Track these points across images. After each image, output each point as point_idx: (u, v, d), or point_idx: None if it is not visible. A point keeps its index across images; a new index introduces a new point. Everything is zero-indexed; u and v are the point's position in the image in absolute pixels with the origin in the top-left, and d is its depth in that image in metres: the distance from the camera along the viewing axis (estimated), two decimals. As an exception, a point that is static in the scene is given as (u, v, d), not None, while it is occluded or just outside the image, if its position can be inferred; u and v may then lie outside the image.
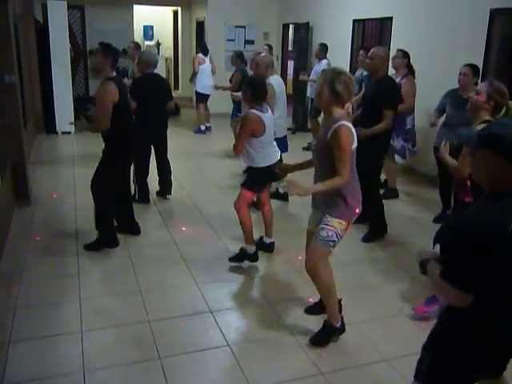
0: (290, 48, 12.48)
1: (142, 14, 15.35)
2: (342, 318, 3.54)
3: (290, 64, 12.33)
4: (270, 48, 9.76)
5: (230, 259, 4.63)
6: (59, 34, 9.68)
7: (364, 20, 9.43)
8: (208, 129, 10.86)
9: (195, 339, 3.50)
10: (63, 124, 10.07)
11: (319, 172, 3.35)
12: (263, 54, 6.37)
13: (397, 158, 6.73)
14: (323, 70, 3.53)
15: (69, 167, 7.83)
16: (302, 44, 11.37)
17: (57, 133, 10.17)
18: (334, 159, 3.13)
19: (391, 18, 8.45)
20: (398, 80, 6.01)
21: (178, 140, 10.15)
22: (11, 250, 4.79)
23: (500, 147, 1.79)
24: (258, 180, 4.55)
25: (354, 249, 5.00)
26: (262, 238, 4.89)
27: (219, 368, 3.25)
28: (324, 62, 9.20)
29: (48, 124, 10.21)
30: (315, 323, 3.67)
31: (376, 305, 4.03)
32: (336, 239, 3.28)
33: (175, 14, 16.08)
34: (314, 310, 3.82)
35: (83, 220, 5.57)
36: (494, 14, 6.39)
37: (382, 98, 4.97)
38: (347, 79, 3.17)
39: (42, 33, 9.76)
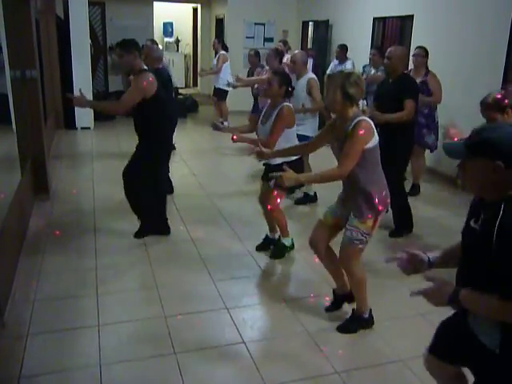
0: (309, 46, 12.41)
1: (162, 11, 15.42)
2: (371, 310, 3.60)
3: (309, 62, 12.28)
4: (285, 43, 9.71)
5: (272, 256, 4.74)
6: (80, 30, 9.75)
7: (384, 18, 9.36)
8: None
9: (211, 336, 3.51)
10: (83, 119, 10.18)
11: (347, 178, 3.31)
12: (297, 51, 6.44)
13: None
14: (329, 76, 3.57)
15: (88, 162, 7.90)
16: (321, 42, 11.33)
17: (76, 128, 10.25)
18: (343, 150, 3.16)
19: (412, 16, 8.37)
20: (418, 80, 5.96)
21: (195, 137, 10.21)
22: (30, 244, 4.84)
23: (496, 152, 1.70)
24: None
25: (372, 247, 4.96)
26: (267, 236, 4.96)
27: (234, 365, 3.26)
28: (349, 62, 9.13)
29: (68, 119, 10.30)
30: (331, 321, 3.67)
31: (392, 304, 3.99)
32: (362, 237, 3.33)
33: (195, 10, 16.13)
34: (331, 307, 3.85)
35: (101, 215, 5.62)
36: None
37: (403, 90, 4.94)
38: (357, 79, 3.19)
39: (63, 29, 9.84)
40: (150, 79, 4.49)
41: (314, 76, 6.10)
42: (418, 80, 6.03)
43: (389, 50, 5.12)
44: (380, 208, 3.31)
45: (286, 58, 8.95)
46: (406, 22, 8.70)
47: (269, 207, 4.55)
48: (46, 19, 9.27)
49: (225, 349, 3.38)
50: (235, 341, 3.45)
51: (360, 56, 9.17)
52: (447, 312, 2.05)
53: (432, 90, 6.28)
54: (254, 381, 3.07)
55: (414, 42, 8.21)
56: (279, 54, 7.73)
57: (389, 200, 3.39)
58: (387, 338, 3.52)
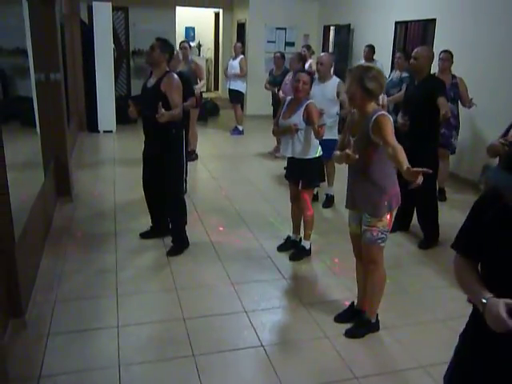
0: (330, 50, 12.38)
1: (184, 16, 15.51)
2: (377, 316, 3.58)
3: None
4: (308, 48, 9.67)
5: (291, 258, 4.79)
6: (103, 35, 9.88)
7: (406, 22, 9.30)
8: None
9: (229, 338, 3.51)
10: (105, 123, 10.30)
11: (358, 170, 3.34)
12: (324, 53, 6.51)
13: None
14: (349, 70, 3.52)
15: (110, 165, 7.98)
16: (342, 46, 11.29)
17: (99, 131, 10.37)
18: (382, 140, 3.10)
19: (434, 20, 8.30)
20: (447, 83, 5.92)
21: (216, 140, 10.25)
22: (52, 245, 4.90)
23: None
24: (317, 172, 4.89)
25: (392, 252, 4.92)
26: (289, 237, 5.04)
27: (252, 368, 3.25)
28: (378, 63, 8.82)
29: (90, 122, 10.43)
30: (350, 326, 3.63)
31: (411, 310, 3.96)
32: (383, 235, 3.35)
33: (217, 15, 16.20)
34: (343, 317, 3.75)
35: (122, 217, 5.66)
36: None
37: (432, 90, 4.84)
38: (376, 73, 3.17)
39: (87, 33, 9.98)
40: (178, 79, 4.58)
41: (341, 80, 6.10)
42: (447, 83, 5.98)
43: (415, 50, 5.04)
44: (394, 203, 3.34)
45: (309, 64, 8.94)
46: (428, 25, 8.63)
47: (309, 213, 4.72)
48: (71, 24, 9.41)
49: (243, 352, 3.38)
50: (254, 344, 3.45)
51: (382, 60, 9.10)
52: (467, 319, 1.99)
53: (461, 93, 6.30)
54: (272, 384, 3.07)
55: (437, 46, 8.12)
56: (302, 59, 7.79)
57: (400, 195, 3.40)
58: (407, 344, 3.48)
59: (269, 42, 12.87)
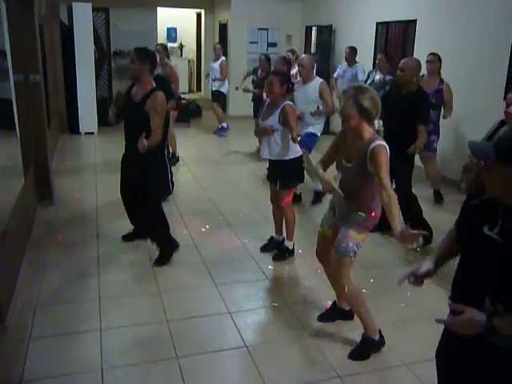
0: (312, 50, 12.42)
1: (166, 16, 15.46)
2: (380, 331, 3.43)
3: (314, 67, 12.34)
4: (293, 52, 9.57)
5: (274, 258, 4.81)
6: (84, 36, 9.79)
7: (387, 23, 9.36)
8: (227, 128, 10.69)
9: (213, 340, 3.50)
10: (86, 124, 10.22)
11: (348, 192, 3.19)
12: (305, 56, 6.41)
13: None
14: (344, 91, 3.28)
15: (91, 167, 7.91)
16: (324, 47, 11.33)
17: (80, 133, 10.28)
18: (376, 177, 3.01)
19: (415, 21, 8.37)
20: (433, 88, 6.01)
21: (198, 142, 10.22)
22: (33, 249, 4.84)
23: None
24: (295, 173, 4.77)
25: (373, 252, 4.95)
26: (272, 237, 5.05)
27: (236, 369, 3.25)
28: (359, 67, 8.90)
29: (71, 124, 10.34)
30: (334, 325, 3.65)
31: (394, 308, 3.98)
32: (356, 249, 3.26)
33: (198, 16, 16.17)
34: (325, 317, 3.77)
35: (104, 220, 5.62)
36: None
37: (419, 113, 4.84)
38: (372, 94, 3.08)
39: (67, 34, 9.89)
40: (163, 98, 4.37)
41: (323, 80, 6.08)
42: (433, 88, 5.99)
43: (402, 61, 4.98)
44: (372, 224, 3.30)
45: (295, 71, 8.86)
46: (409, 26, 8.70)
47: (288, 213, 4.75)
48: (50, 25, 9.31)
49: (227, 353, 3.38)
50: (237, 345, 3.45)
51: (363, 61, 9.16)
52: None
53: (446, 99, 6.25)
54: (256, 385, 3.07)
55: (418, 47, 8.22)
56: (287, 62, 7.66)
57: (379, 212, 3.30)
58: (390, 342, 3.50)
59: (251, 42, 12.87)
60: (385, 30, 9.50)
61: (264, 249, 4.97)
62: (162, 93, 4.36)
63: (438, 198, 6.56)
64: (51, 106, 8.41)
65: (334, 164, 3.42)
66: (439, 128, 6.48)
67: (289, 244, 4.88)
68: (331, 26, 11.12)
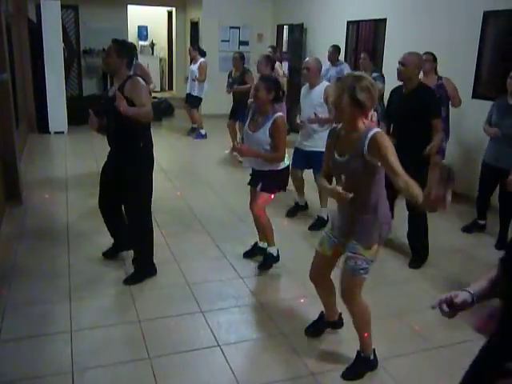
0: (284, 49, 12.46)
1: (137, 14, 15.35)
2: (374, 350, 3.25)
3: (285, 65, 12.34)
4: (275, 50, 9.34)
5: (260, 267, 4.58)
6: (53, 34, 9.65)
7: (358, 21, 9.44)
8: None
9: (185, 339, 3.48)
10: (56, 124, 10.07)
11: (352, 199, 2.83)
12: (310, 58, 5.66)
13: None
14: (338, 78, 3.02)
15: (61, 167, 7.80)
16: (296, 45, 11.38)
17: (50, 132, 10.12)
18: (384, 164, 2.74)
19: (385, 20, 8.47)
20: (432, 86, 5.53)
21: (172, 141, 10.14)
22: (1, 250, 4.75)
23: None
24: (281, 181, 4.47)
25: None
26: (256, 243, 4.84)
27: (209, 368, 3.23)
28: (345, 66, 8.70)
29: (41, 123, 10.17)
30: (305, 322, 3.66)
31: (370, 306, 4.00)
32: (367, 266, 2.95)
33: (170, 14, 16.08)
34: (313, 331, 3.58)
35: (74, 220, 5.55)
36: (487, 16, 6.42)
37: (430, 107, 4.49)
38: (369, 84, 2.77)
39: (36, 32, 9.72)
40: (142, 81, 4.01)
41: (330, 84, 5.57)
42: (432, 86, 5.58)
43: (403, 56, 4.62)
44: (385, 231, 2.99)
45: (278, 65, 8.81)
46: (379, 25, 8.79)
47: (261, 217, 4.46)
48: (18, 22, 9.15)
49: (199, 352, 3.36)
50: (210, 344, 3.43)
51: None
52: (424, 311, 2.03)
53: (450, 93, 6.01)
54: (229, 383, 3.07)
55: (388, 45, 8.32)
56: (271, 61, 7.23)
57: (391, 222, 3.11)
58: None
59: (223, 41, 12.86)
60: (355, 28, 9.59)
61: (247, 255, 4.81)
62: (141, 78, 4.01)
63: None
64: (19, 105, 8.26)
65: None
66: (449, 127, 6.16)
67: (272, 250, 4.60)
68: (302, 24, 11.18)
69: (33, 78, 9.99)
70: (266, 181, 4.36)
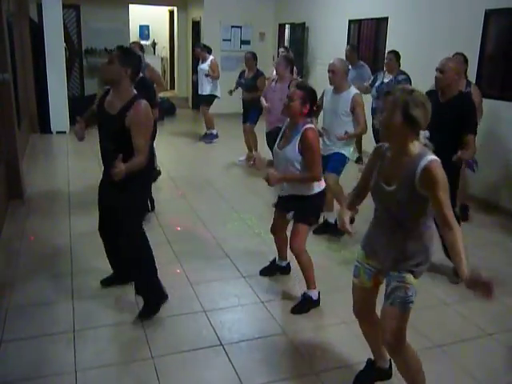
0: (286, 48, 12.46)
1: (138, 14, 15.32)
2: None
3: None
4: (287, 51, 8.83)
5: (293, 310, 3.88)
6: (54, 34, 9.65)
7: (360, 20, 9.44)
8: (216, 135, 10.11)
9: (188, 338, 3.48)
10: (58, 123, 10.07)
11: (398, 227, 2.56)
12: (336, 59, 5.13)
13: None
14: (387, 92, 2.53)
15: (63, 167, 7.80)
16: (297, 44, 11.37)
17: (51, 132, 10.13)
18: (433, 202, 2.39)
19: (387, 19, 8.46)
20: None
21: (175, 141, 10.13)
22: (4, 250, 4.76)
23: None
24: (317, 208, 3.96)
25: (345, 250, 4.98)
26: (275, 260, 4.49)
27: (212, 367, 3.23)
28: (366, 68, 8.07)
29: (43, 123, 10.18)
30: (307, 322, 3.66)
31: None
32: (414, 297, 2.59)
33: (171, 13, 16.06)
34: (364, 380, 3.08)
35: (77, 219, 5.54)
36: (489, 15, 6.42)
37: (468, 121, 4.13)
38: (423, 99, 2.41)
39: (37, 32, 9.73)
40: (148, 108, 3.50)
41: (358, 92, 5.13)
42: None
43: (441, 62, 4.24)
44: (432, 249, 2.64)
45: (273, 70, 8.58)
46: (380, 24, 8.79)
47: (294, 251, 3.86)
48: (20, 22, 9.15)
49: (202, 351, 3.36)
50: (213, 343, 3.43)
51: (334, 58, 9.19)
52: (425, 310, 2.03)
53: (476, 102, 5.04)
54: (233, 382, 3.06)
55: (389, 44, 8.30)
56: (290, 62, 6.46)
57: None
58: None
59: (224, 40, 12.86)
60: (357, 27, 9.58)
61: (264, 272, 4.45)
62: (145, 101, 3.48)
63: (465, 213, 5.85)
64: (21, 105, 8.27)
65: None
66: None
67: (312, 293, 3.93)
68: (304, 23, 11.17)
69: (34, 77, 9.99)
70: (300, 208, 3.88)
